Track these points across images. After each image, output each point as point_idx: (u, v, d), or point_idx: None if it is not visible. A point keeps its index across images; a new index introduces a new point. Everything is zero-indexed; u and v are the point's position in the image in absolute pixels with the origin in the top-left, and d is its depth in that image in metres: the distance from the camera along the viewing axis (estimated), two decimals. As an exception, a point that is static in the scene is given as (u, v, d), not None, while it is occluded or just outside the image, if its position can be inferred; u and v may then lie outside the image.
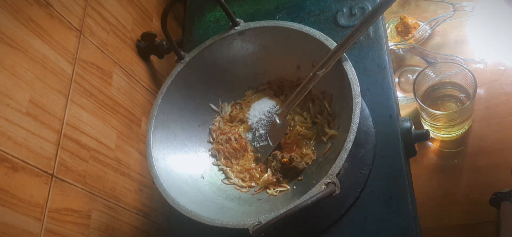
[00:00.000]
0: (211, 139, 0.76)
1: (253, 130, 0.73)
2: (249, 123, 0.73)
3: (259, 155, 0.71)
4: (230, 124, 0.76)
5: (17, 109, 0.62)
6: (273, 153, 0.70)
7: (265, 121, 0.72)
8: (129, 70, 0.88)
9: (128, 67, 0.87)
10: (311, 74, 0.65)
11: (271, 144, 0.70)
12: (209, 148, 0.75)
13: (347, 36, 0.62)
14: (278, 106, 0.72)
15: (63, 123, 0.69)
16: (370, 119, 0.68)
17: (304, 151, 0.70)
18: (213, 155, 0.75)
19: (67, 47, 0.73)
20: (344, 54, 0.63)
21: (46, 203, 0.63)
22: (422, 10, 0.98)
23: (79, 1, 0.77)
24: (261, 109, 0.73)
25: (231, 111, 0.77)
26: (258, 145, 0.72)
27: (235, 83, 0.77)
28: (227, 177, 0.72)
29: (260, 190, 0.69)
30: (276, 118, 0.70)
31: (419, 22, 0.95)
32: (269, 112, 0.72)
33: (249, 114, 0.74)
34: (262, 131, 0.71)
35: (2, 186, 0.58)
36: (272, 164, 0.69)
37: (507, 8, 0.92)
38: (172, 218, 0.74)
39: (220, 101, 0.77)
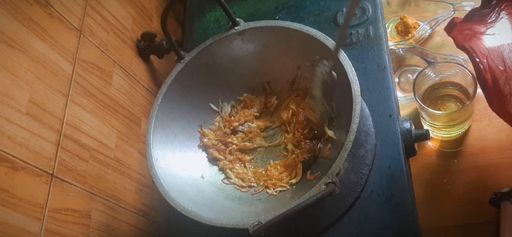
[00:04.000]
0: (204, 141, 0.75)
1: (314, 98, 0.66)
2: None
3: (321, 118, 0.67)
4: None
5: (17, 109, 0.62)
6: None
7: (318, 82, 0.66)
8: (129, 70, 0.88)
9: (128, 67, 0.87)
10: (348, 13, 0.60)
11: (327, 107, 0.66)
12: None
13: None
14: (326, 62, 0.64)
15: (63, 122, 0.69)
16: (370, 119, 0.68)
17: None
18: (211, 160, 0.75)
19: (67, 47, 0.73)
20: (344, 54, 0.63)
21: (46, 203, 0.63)
22: (422, 10, 0.98)
23: (79, 1, 0.77)
24: None
25: (230, 112, 0.77)
26: (318, 109, 0.66)
27: (235, 83, 0.77)
28: (227, 177, 0.72)
29: (260, 190, 0.69)
30: (325, 76, 0.64)
31: (419, 22, 0.95)
32: (321, 73, 0.65)
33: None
34: (318, 93, 0.65)
35: (2, 186, 0.58)
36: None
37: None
38: (172, 218, 0.74)
39: (220, 101, 0.77)
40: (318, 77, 0.65)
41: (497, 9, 0.67)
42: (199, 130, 0.75)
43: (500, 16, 0.68)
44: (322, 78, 0.65)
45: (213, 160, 0.74)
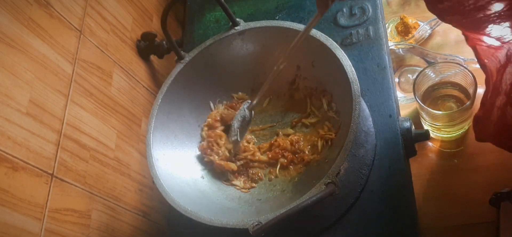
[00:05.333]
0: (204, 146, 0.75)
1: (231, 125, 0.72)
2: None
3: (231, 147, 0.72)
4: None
5: (17, 109, 0.62)
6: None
7: (239, 115, 0.72)
8: (129, 70, 0.88)
9: (128, 67, 0.87)
10: (275, 68, 0.67)
11: (239, 139, 0.71)
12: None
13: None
14: (249, 101, 0.72)
15: (63, 122, 0.69)
16: (370, 119, 0.68)
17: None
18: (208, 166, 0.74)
19: (67, 47, 0.73)
20: (344, 54, 0.63)
21: (46, 203, 0.63)
22: (422, 10, 0.98)
23: (79, 1, 0.77)
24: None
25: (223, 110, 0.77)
26: (231, 139, 0.72)
27: (235, 83, 0.77)
28: (229, 179, 0.72)
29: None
30: (246, 112, 0.71)
31: (419, 22, 0.95)
32: (243, 109, 0.72)
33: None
34: (236, 125, 0.71)
35: (2, 186, 0.58)
36: None
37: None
38: (172, 218, 0.74)
39: (217, 102, 0.77)
40: (239, 112, 0.71)
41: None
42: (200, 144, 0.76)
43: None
44: (243, 114, 0.71)
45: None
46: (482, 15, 0.56)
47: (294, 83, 0.75)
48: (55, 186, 0.65)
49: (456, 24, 0.63)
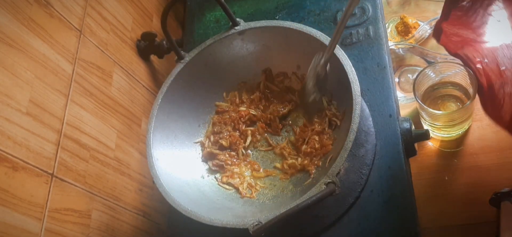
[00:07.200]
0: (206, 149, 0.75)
1: (304, 87, 0.69)
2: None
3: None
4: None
5: (17, 109, 0.62)
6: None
7: (311, 73, 0.67)
8: (129, 70, 0.88)
9: (128, 67, 0.87)
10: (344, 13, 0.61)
11: (318, 96, 0.68)
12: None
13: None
14: (320, 55, 0.66)
15: (63, 122, 0.69)
16: (370, 119, 0.68)
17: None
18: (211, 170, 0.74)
19: (67, 47, 0.73)
20: (345, 54, 0.63)
21: (46, 203, 0.63)
22: (422, 10, 0.98)
23: (79, 0, 0.77)
24: None
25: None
26: (309, 100, 0.68)
27: (235, 83, 0.77)
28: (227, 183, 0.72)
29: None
30: (319, 68, 0.66)
31: (419, 22, 0.95)
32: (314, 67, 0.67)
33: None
34: (311, 84, 0.67)
35: (2, 186, 0.57)
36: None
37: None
38: (172, 218, 0.74)
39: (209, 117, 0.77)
40: (311, 70, 0.66)
41: (478, 11, 0.66)
42: (197, 141, 0.75)
43: (484, 19, 0.66)
44: (316, 70, 0.65)
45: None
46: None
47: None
48: (55, 186, 0.65)
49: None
